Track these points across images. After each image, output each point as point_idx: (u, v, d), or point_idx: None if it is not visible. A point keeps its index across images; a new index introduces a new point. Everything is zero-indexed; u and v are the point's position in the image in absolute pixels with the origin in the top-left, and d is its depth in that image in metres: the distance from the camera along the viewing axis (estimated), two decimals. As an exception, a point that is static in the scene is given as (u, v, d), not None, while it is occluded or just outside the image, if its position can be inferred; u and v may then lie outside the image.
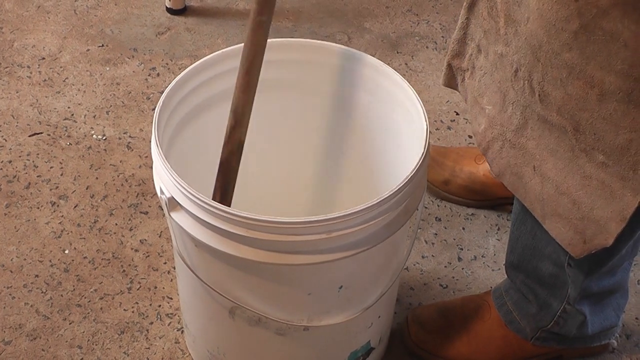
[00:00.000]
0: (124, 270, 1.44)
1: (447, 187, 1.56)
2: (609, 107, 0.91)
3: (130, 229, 1.51)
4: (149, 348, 1.35)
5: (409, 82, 1.15)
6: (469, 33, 1.15)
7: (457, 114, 1.74)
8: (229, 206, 1.12)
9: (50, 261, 1.45)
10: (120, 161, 1.62)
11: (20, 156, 1.62)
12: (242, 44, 1.14)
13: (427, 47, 1.90)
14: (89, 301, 1.40)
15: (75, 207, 1.54)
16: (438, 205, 1.57)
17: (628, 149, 0.92)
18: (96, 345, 1.35)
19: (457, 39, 1.17)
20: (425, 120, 1.09)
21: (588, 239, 1.00)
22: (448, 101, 1.77)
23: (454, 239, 1.52)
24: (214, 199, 1.13)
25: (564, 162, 0.99)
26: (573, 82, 0.93)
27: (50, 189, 1.56)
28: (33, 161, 1.61)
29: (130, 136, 1.67)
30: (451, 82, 1.23)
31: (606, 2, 0.86)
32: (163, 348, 1.35)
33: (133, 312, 1.39)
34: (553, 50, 0.93)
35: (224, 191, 1.13)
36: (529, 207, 1.07)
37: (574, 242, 1.02)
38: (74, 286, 1.42)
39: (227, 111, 1.24)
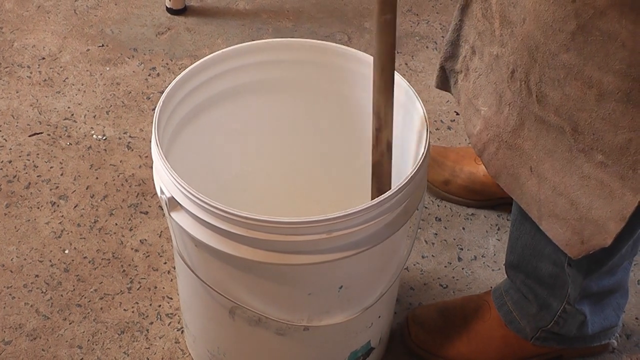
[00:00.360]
0: (124, 270, 1.44)
1: (447, 187, 1.56)
2: (607, 107, 0.91)
3: (130, 229, 1.51)
4: (149, 348, 1.35)
5: (409, 82, 1.15)
6: (462, 35, 1.15)
7: (457, 114, 1.74)
8: None
9: (50, 261, 1.45)
10: (120, 161, 1.62)
11: (20, 156, 1.62)
12: (249, 43, 1.14)
13: (427, 47, 1.90)
14: (89, 301, 1.40)
15: (75, 207, 1.54)
16: (438, 205, 1.57)
17: (627, 148, 0.92)
18: (96, 345, 1.35)
19: (450, 41, 1.17)
20: (426, 120, 1.09)
21: (586, 240, 1.00)
22: (448, 101, 1.76)
23: (454, 239, 1.52)
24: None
25: (562, 163, 0.99)
26: (571, 82, 0.93)
27: (50, 189, 1.56)
28: (33, 161, 1.61)
29: (130, 136, 1.67)
30: (444, 84, 1.23)
31: (603, 3, 0.86)
32: (163, 348, 1.35)
33: (133, 312, 1.39)
34: (550, 51, 0.93)
35: (381, 193, 1.10)
36: (525, 208, 1.07)
37: (572, 242, 1.02)
38: (74, 286, 1.42)
39: (228, 111, 1.24)
